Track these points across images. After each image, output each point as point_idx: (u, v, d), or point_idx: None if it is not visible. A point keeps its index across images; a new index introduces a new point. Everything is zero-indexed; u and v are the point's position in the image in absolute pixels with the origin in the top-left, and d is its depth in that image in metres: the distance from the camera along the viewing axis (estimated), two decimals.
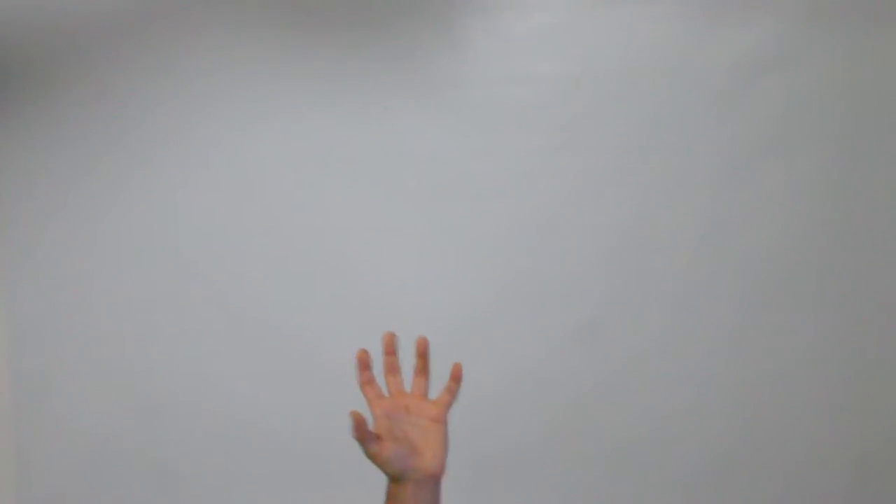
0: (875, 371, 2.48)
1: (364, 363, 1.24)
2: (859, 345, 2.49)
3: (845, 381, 2.49)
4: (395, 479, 1.18)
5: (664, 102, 2.55)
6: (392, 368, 1.26)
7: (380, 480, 2.71)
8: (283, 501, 2.78)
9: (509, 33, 2.62)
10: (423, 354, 1.26)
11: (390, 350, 1.25)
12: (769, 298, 2.52)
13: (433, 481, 1.19)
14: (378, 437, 1.18)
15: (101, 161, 2.87)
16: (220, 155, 2.79)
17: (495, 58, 2.63)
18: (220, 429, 2.81)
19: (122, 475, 2.86)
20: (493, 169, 2.64)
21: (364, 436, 1.14)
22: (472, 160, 2.65)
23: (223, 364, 2.80)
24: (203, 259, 2.80)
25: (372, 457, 1.16)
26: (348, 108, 2.71)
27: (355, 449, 2.73)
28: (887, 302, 2.48)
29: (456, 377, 1.24)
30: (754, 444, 2.53)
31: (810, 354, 2.50)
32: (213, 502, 2.81)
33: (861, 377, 2.49)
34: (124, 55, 2.85)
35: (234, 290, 2.78)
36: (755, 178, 2.52)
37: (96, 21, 2.86)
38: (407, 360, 2.70)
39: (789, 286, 2.51)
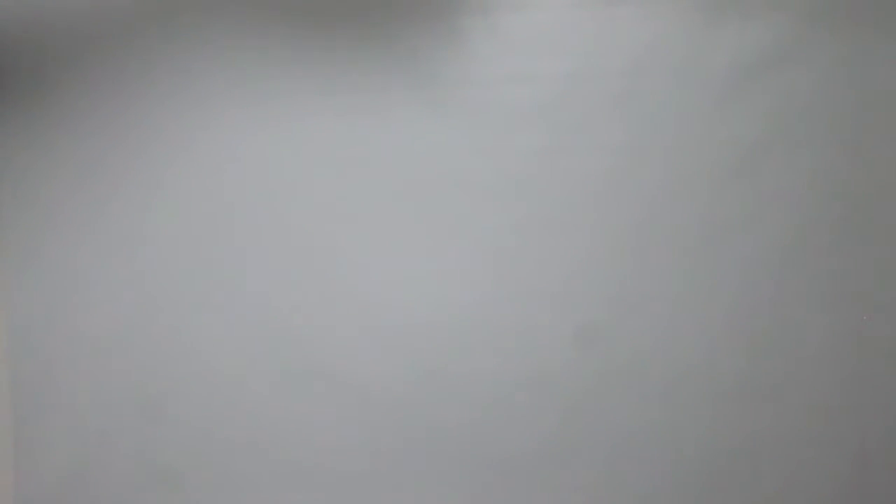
0: (875, 371, 2.48)
1: None
2: (859, 345, 2.49)
3: (845, 380, 2.49)
4: None
5: (664, 102, 2.55)
6: None
7: (376, 480, 2.71)
8: (282, 501, 2.77)
9: (509, 33, 2.62)
10: None
11: None
12: (769, 298, 2.52)
13: None
14: None
15: (100, 162, 2.87)
16: (220, 154, 2.79)
17: (495, 57, 2.63)
18: (220, 428, 2.80)
19: (122, 474, 2.86)
20: (493, 168, 2.64)
21: None
22: (472, 159, 2.65)
23: (223, 364, 2.79)
24: (202, 260, 2.80)
25: None
26: (348, 107, 2.71)
27: (353, 448, 2.72)
28: (887, 301, 2.48)
29: None
30: (754, 443, 2.53)
31: (811, 354, 2.50)
32: (212, 502, 2.81)
33: (861, 377, 2.49)
34: (122, 56, 2.84)
35: (233, 289, 2.78)
36: (755, 178, 2.52)
37: (95, 22, 2.86)
38: (404, 361, 2.70)
39: (789, 286, 2.51)
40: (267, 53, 2.75)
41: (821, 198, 2.49)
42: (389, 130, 2.69)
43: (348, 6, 2.70)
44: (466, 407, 2.66)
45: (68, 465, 2.89)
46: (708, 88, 2.53)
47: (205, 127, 2.79)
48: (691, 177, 2.55)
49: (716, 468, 2.55)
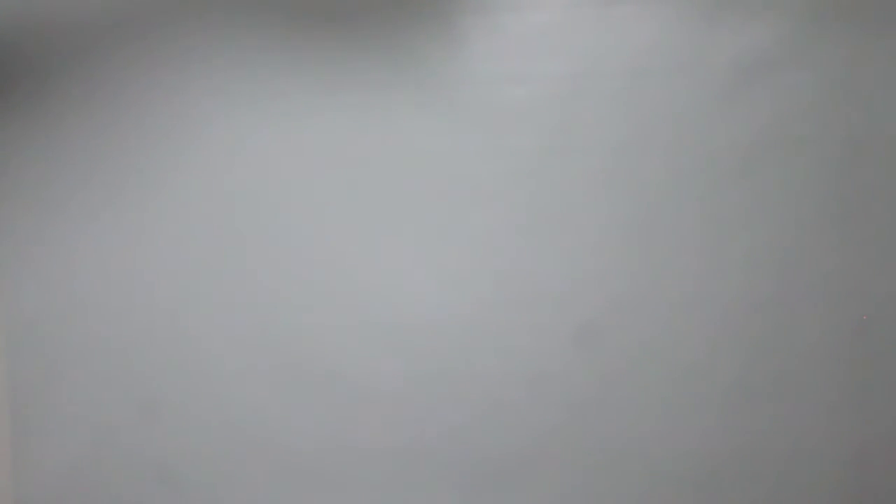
0: (875, 371, 2.48)
1: None
2: (859, 345, 2.49)
3: (845, 380, 2.49)
4: None
5: (664, 102, 2.55)
6: None
7: (376, 480, 2.71)
8: (282, 501, 2.77)
9: (509, 33, 2.62)
10: None
11: None
12: (769, 298, 2.52)
13: None
14: None
15: (100, 162, 2.87)
16: (220, 154, 2.79)
17: (495, 57, 2.63)
18: (219, 428, 2.80)
19: (121, 474, 2.86)
20: (493, 168, 2.64)
21: None
22: (471, 159, 2.65)
23: (223, 364, 2.79)
24: (202, 259, 2.80)
25: None
26: (348, 106, 2.71)
27: (353, 448, 2.73)
28: (887, 301, 2.48)
29: None
30: (754, 444, 2.53)
31: (810, 354, 2.50)
32: (212, 502, 2.81)
33: (861, 377, 2.49)
34: (123, 56, 2.84)
35: (233, 289, 2.78)
36: (755, 177, 2.52)
37: (96, 23, 2.86)
38: (404, 360, 2.70)
39: (789, 286, 2.51)
40: (267, 53, 2.75)
41: (820, 198, 2.49)
42: (389, 130, 2.69)
43: (349, 6, 2.71)
44: (466, 407, 2.66)
45: (68, 465, 2.89)
46: (708, 88, 2.53)
47: (206, 126, 2.79)
48: (691, 177, 2.55)
49: (716, 468, 2.55)
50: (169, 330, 2.83)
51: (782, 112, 2.51)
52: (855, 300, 2.49)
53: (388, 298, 2.70)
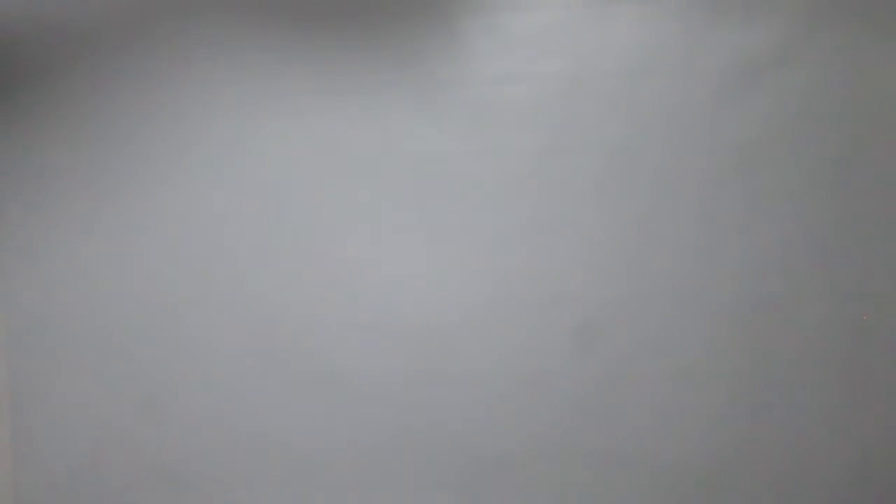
0: (875, 370, 2.48)
1: None
2: (859, 345, 2.49)
3: (845, 380, 2.49)
4: None
5: (663, 102, 2.55)
6: None
7: (376, 480, 2.71)
8: (281, 499, 2.77)
9: (509, 33, 2.62)
10: None
11: None
12: (769, 298, 2.52)
13: None
14: None
15: (101, 162, 2.87)
16: (220, 155, 2.79)
17: (495, 57, 2.63)
18: (220, 428, 2.80)
19: (121, 474, 2.86)
20: (492, 168, 2.64)
21: None
22: (471, 158, 2.65)
23: (222, 363, 2.79)
24: (202, 259, 2.80)
25: None
26: (348, 106, 2.71)
27: (352, 447, 2.72)
28: (887, 301, 2.47)
29: None
30: (754, 443, 2.53)
31: (810, 354, 2.50)
32: (212, 501, 2.81)
33: (861, 376, 2.49)
34: (123, 58, 2.85)
35: (233, 289, 2.78)
36: (754, 177, 2.52)
37: (97, 25, 2.86)
38: (404, 360, 2.70)
39: (789, 285, 2.51)
40: (267, 54, 2.75)
41: (820, 197, 2.49)
42: (389, 130, 2.69)
43: (349, 7, 2.71)
44: (466, 407, 2.66)
45: (68, 464, 2.89)
46: (707, 88, 2.53)
47: (206, 127, 2.79)
48: (691, 176, 2.55)
49: (715, 467, 2.55)
50: (169, 330, 2.83)
51: (781, 112, 2.51)
52: (855, 300, 2.49)
53: (388, 298, 2.70)
